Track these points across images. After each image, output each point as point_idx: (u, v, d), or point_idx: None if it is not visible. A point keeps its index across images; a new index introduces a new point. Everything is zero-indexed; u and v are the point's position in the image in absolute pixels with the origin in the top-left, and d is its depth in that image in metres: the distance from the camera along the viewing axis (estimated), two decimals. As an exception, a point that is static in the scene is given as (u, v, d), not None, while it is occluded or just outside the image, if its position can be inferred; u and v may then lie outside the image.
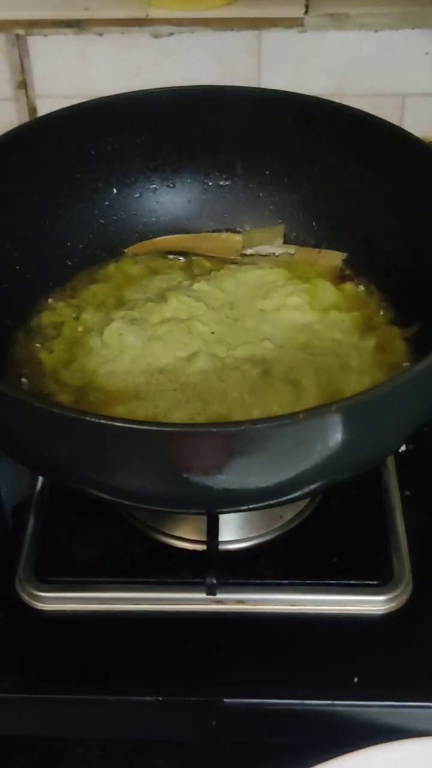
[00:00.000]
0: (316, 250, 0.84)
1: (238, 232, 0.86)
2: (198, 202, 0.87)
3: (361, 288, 0.81)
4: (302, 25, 0.94)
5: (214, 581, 0.67)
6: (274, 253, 0.85)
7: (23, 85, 0.99)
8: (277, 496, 0.62)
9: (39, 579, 0.71)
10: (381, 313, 0.79)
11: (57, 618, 0.69)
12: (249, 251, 0.86)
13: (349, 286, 0.81)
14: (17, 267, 0.79)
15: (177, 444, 0.55)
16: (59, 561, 0.73)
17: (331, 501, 0.76)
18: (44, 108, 0.98)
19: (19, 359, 0.77)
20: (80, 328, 0.78)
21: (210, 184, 0.86)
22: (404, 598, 0.70)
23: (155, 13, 0.93)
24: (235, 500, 0.62)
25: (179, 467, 0.56)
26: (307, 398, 0.70)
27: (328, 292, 0.80)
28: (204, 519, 0.70)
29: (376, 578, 0.70)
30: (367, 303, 0.80)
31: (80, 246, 0.84)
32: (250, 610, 0.69)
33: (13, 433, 0.62)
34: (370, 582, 0.70)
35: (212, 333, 0.76)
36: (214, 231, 0.87)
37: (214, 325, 0.76)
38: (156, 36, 0.95)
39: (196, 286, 0.79)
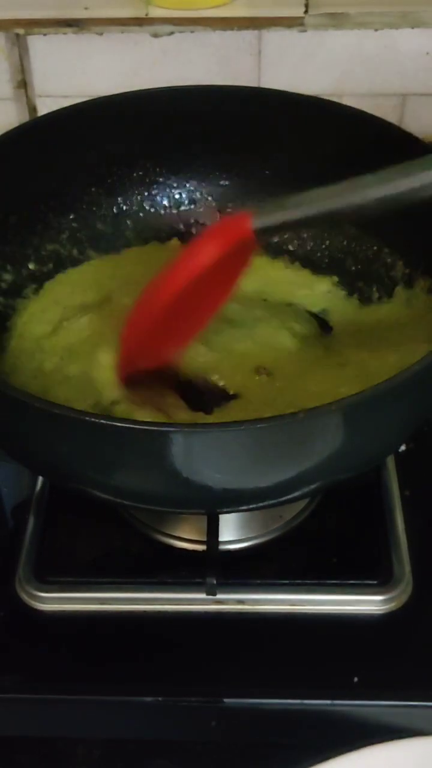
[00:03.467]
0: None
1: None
2: (198, 202, 0.87)
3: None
4: (302, 24, 0.93)
5: (214, 581, 0.67)
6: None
7: (23, 84, 0.99)
8: (277, 496, 0.62)
9: (39, 579, 0.71)
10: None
11: (57, 618, 0.69)
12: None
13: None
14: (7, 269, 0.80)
15: (177, 444, 0.55)
16: (59, 561, 0.73)
17: (331, 501, 0.76)
18: (44, 108, 0.98)
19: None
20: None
21: (210, 184, 0.86)
22: (404, 598, 0.70)
23: (155, 12, 0.93)
24: (235, 500, 0.62)
25: (179, 467, 0.56)
26: None
27: None
28: (204, 519, 0.70)
29: (376, 578, 0.70)
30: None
31: (79, 245, 0.84)
32: (250, 610, 0.69)
33: (13, 433, 0.62)
34: (370, 582, 0.70)
35: None
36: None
37: None
38: (156, 35, 0.95)
39: None
